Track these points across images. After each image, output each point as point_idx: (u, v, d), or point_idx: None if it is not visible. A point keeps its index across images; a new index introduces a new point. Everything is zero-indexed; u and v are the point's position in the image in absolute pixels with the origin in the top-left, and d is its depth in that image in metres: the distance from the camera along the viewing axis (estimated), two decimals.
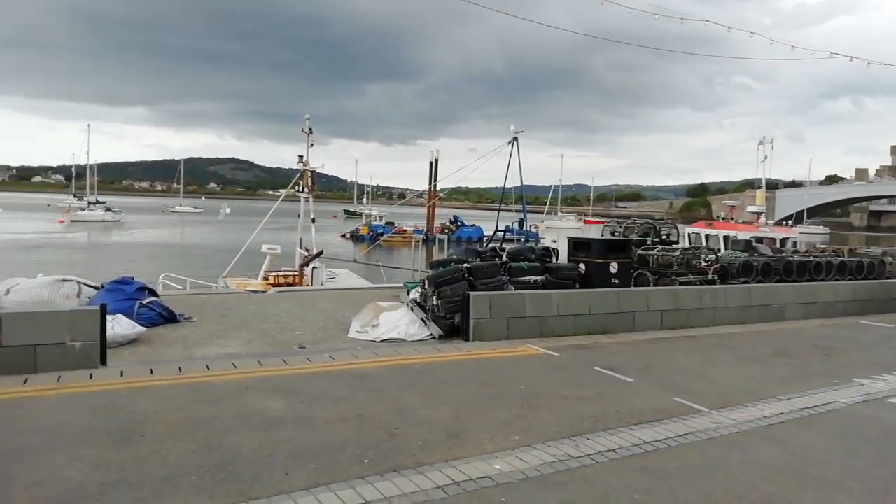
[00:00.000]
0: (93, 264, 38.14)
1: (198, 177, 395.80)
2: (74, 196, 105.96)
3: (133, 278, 10.45)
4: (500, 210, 33.82)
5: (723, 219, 22.57)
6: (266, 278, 17.64)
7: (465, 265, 10.61)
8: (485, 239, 53.59)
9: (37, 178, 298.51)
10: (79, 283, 10.02)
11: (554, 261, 12.48)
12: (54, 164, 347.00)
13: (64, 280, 10.01)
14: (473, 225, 74.67)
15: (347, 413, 6.08)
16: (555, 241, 15.05)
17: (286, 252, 19.59)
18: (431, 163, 70.49)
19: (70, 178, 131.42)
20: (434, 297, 9.90)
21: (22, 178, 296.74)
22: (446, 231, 67.26)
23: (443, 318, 9.77)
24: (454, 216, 78.22)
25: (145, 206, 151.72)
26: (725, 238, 19.48)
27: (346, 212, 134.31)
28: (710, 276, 12.91)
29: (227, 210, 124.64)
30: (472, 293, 9.68)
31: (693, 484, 4.82)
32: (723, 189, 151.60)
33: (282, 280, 17.33)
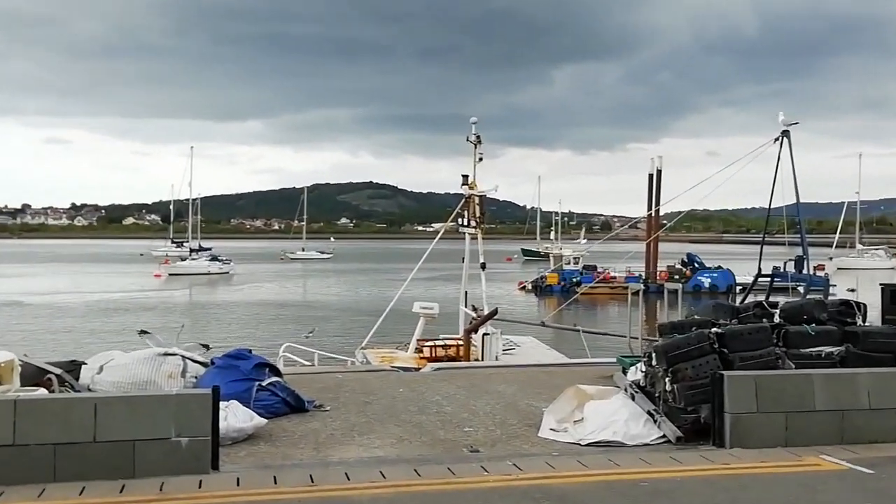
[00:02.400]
0: (198, 331, 43.03)
1: (325, 210, 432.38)
2: (173, 242, 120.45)
3: (250, 351, 11.50)
4: (763, 243, 31.64)
5: None
6: (419, 350, 18.44)
7: (714, 330, 10.22)
8: (738, 288, 50.79)
9: (129, 220, 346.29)
10: (183, 357, 11.09)
11: (858, 322, 11.50)
12: (149, 201, 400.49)
13: (166, 354, 11.11)
14: (719, 267, 72.45)
15: None
16: (853, 290, 13.85)
17: (445, 312, 20.35)
18: (651, 175, 69.41)
19: (168, 218, 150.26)
20: (667, 380, 9.64)
21: (112, 219, 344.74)
22: (677, 277, 65.35)
23: (682, 410, 9.46)
24: (688, 255, 75.82)
25: (259, 251, 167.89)
26: None
27: (526, 252, 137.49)
28: None
29: (331, 250, 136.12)
30: (726, 373, 9.30)
31: None
32: None
33: (441, 352, 17.97)
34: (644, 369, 10.21)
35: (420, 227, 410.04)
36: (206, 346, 12.25)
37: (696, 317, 12.06)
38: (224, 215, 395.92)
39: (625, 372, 11.15)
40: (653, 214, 62.52)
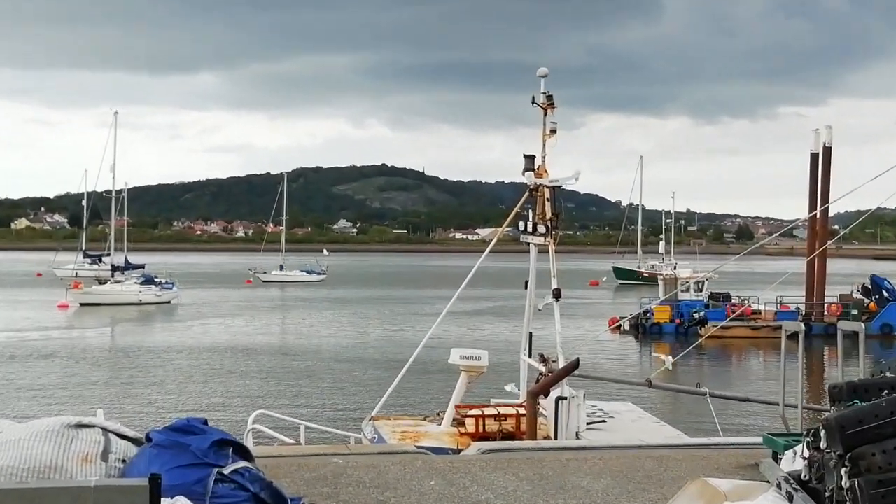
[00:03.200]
0: (125, 392, 43.62)
1: (315, 207, 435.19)
2: (86, 256, 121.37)
3: (205, 422, 11.57)
4: None
5: None
6: (460, 422, 18.46)
7: None
8: None
9: (20, 223, 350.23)
10: (105, 430, 11.18)
11: None
12: (51, 195, 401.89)
13: (79, 426, 11.15)
14: None
15: None
16: None
17: (499, 364, 20.37)
18: (815, 156, 68.85)
19: (78, 220, 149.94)
20: (844, 471, 9.52)
21: None
22: (857, 312, 64.58)
23: None
24: (873, 278, 74.75)
25: (217, 269, 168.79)
26: None
27: (621, 272, 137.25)
28: None
29: (324, 268, 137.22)
30: None
31: None
32: None
33: (493, 426, 18.05)
34: (807, 455, 10.10)
35: (459, 235, 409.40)
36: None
37: (887, 374, 11.91)
38: (164, 216, 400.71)
39: (777, 458, 11.06)
40: (818, 216, 61.82)
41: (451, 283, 21.75)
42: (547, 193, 20.75)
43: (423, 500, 11.39)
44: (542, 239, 20.74)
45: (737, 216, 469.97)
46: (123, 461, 10.81)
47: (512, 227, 22.58)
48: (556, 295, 20.31)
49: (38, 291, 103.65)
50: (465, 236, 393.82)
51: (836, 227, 62.36)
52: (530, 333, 21.35)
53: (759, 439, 13.30)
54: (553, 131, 20.83)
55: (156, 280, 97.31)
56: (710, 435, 18.80)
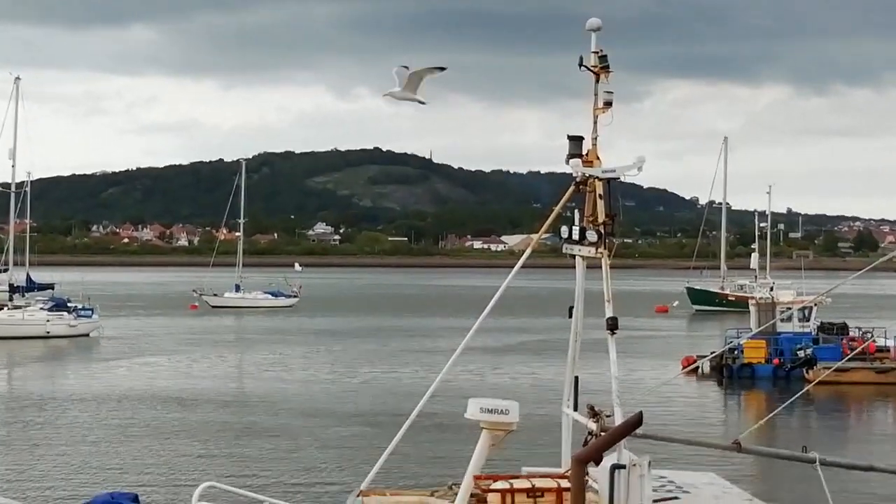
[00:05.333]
0: (25, 458, 43.42)
1: (283, 205, 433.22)
2: None
3: (135, 498, 11.71)
4: None
5: None
6: (482, 500, 18.44)
7: None
8: None
9: None
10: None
11: None
12: None
13: None
14: None
15: None
16: None
17: (533, 417, 20.36)
18: None
19: None
20: None
21: None
22: None
23: None
24: None
25: (153, 289, 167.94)
26: None
27: (698, 293, 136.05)
28: None
29: (294, 290, 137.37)
30: None
31: None
32: None
33: (525, 503, 18.10)
34: None
35: (478, 245, 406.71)
36: None
37: None
38: (80, 217, 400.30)
39: None
40: None
41: (467, 309, 21.68)
42: (599, 188, 20.65)
43: None
44: (592, 249, 20.66)
45: (856, 219, 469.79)
46: None
47: (551, 233, 22.49)
48: (612, 326, 20.25)
49: None
50: (486, 246, 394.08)
51: None
52: (576, 378, 21.27)
53: None
54: (608, 104, 20.70)
55: (69, 305, 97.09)
56: None
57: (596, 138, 20.89)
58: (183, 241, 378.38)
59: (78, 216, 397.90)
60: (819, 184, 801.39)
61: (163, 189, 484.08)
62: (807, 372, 61.86)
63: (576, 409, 20.75)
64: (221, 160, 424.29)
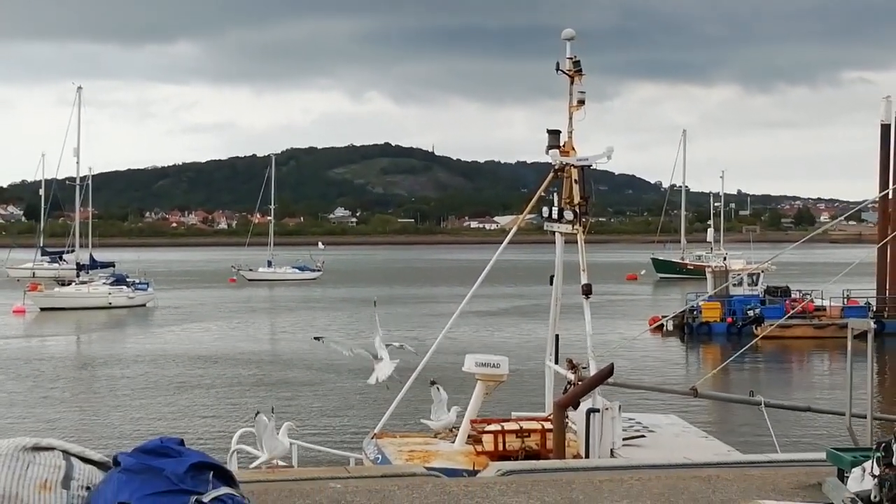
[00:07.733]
0: (90, 410, 43.50)
1: (307, 193, 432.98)
2: (45, 253, 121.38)
3: (181, 442, 11.48)
4: None
5: None
6: (476, 439, 18.43)
7: None
8: None
9: None
10: (66, 453, 11.10)
11: None
12: (5, 183, 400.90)
13: (37, 449, 11.08)
14: None
15: None
16: None
17: (521, 371, 20.31)
18: (884, 127, 68.59)
19: (35, 212, 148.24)
20: None
21: None
22: None
23: None
24: None
25: (197, 266, 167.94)
26: None
27: (661, 264, 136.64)
28: None
29: (318, 265, 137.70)
30: None
31: None
32: None
33: (514, 442, 18.06)
34: (877, 472, 10.06)
35: (474, 224, 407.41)
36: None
37: None
38: (135, 206, 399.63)
39: (843, 476, 11.01)
40: (889, 196, 61.59)
41: (465, 279, 21.78)
42: (575, 174, 20.69)
43: None
44: (569, 227, 20.68)
45: (796, 198, 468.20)
46: (87, 488, 10.74)
47: (535, 213, 22.50)
48: (587, 291, 20.27)
49: None
50: (481, 225, 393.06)
51: None
52: (557, 336, 21.32)
53: (823, 455, 13.24)
54: (581, 102, 20.77)
55: (128, 280, 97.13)
56: (765, 451, 18.76)
57: (571, 132, 20.97)
58: (223, 225, 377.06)
59: (133, 205, 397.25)
60: (765, 169, 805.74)
61: (205, 180, 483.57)
62: (756, 328, 61.83)
63: (557, 362, 20.85)
64: (255, 155, 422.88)
